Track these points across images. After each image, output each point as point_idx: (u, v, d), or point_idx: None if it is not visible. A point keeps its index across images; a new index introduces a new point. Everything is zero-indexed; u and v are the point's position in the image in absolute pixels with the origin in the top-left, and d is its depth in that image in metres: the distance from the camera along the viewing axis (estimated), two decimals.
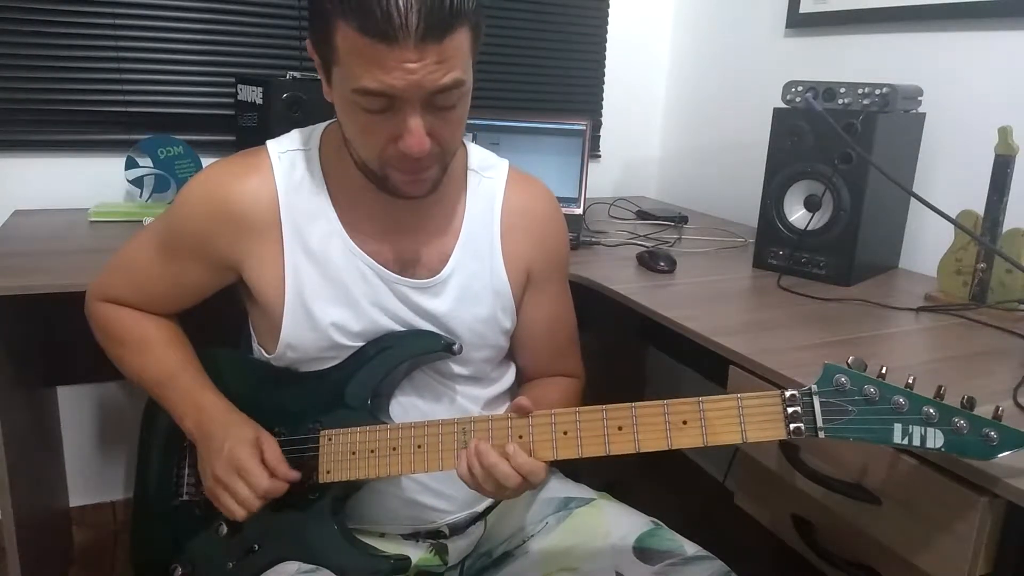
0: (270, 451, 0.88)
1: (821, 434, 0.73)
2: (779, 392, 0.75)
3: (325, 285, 0.91)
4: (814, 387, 0.73)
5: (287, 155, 0.92)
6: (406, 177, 0.83)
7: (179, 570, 0.97)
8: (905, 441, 0.71)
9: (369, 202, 0.90)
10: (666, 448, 0.77)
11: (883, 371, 0.72)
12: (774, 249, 1.44)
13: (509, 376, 1.06)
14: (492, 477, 0.79)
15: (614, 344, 2.04)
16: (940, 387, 0.72)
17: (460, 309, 0.94)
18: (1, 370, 1.27)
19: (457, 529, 0.99)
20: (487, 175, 0.98)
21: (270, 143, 0.93)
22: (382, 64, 0.73)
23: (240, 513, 0.87)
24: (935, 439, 0.70)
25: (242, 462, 0.86)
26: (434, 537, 0.99)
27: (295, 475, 0.88)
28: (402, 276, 0.92)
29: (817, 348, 1.04)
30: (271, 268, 0.91)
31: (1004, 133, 1.16)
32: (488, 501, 1.02)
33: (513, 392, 1.08)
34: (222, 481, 0.87)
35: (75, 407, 1.81)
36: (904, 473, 0.82)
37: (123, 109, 1.70)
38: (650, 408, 0.78)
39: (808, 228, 1.38)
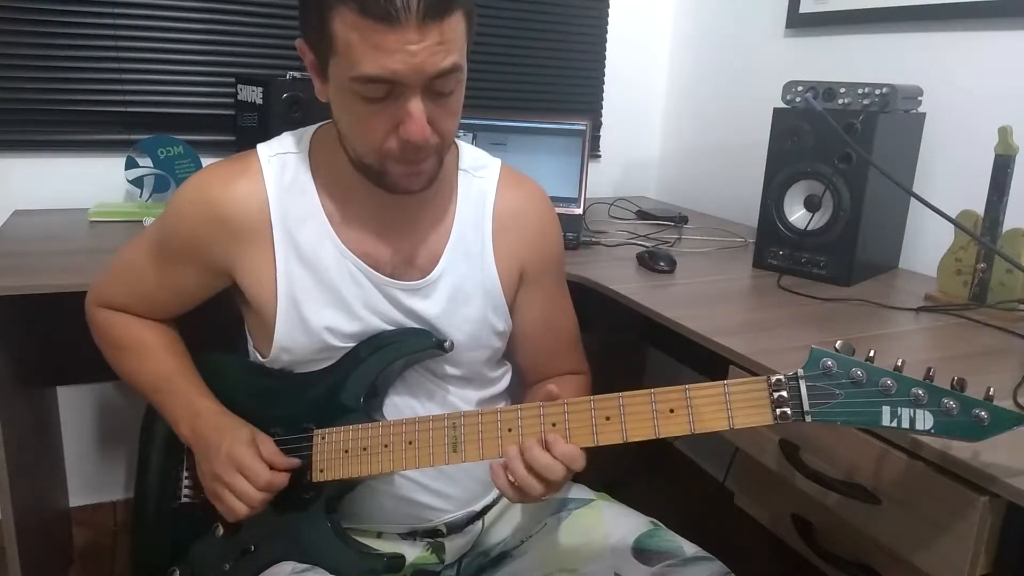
0: (266, 447, 0.89)
1: (808, 418, 0.72)
2: (765, 378, 0.75)
3: (317, 288, 0.91)
4: (800, 371, 0.73)
5: (277, 158, 0.92)
6: (405, 169, 0.83)
7: (177, 572, 0.98)
8: (894, 423, 0.70)
9: (360, 204, 0.90)
10: (654, 437, 0.77)
11: (871, 354, 0.72)
12: (774, 249, 1.44)
13: (505, 379, 1.06)
14: (535, 474, 0.78)
15: (614, 344, 2.04)
16: (929, 369, 0.71)
17: (451, 311, 0.94)
18: (1, 370, 1.27)
19: (455, 528, 0.99)
20: (479, 175, 0.98)
21: (260, 146, 0.93)
22: (383, 47, 0.73)
23: (242, 509, 0.86)
24: (924, 421, 0.70)
25: (241, 458, 0.86)
26: (431, 536, 0.99)
27: (295, 462, 0.89)
28: (393, 278, 0.92)
29: None
30: (263, 272, 0.91)
31: (1004, 133, 1.16)
32: (486, 500, 1.02)
33: (511, 393, 1.08)
34: (222, 479, 0.87)
35: (75, 407, 1.81)
36: (904, 473, 0.81)
37: (123, 109, 1.70)
38: (637, 397, 0.78)
39: (808, 228, 1.38)
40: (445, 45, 0.75)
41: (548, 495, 0.81)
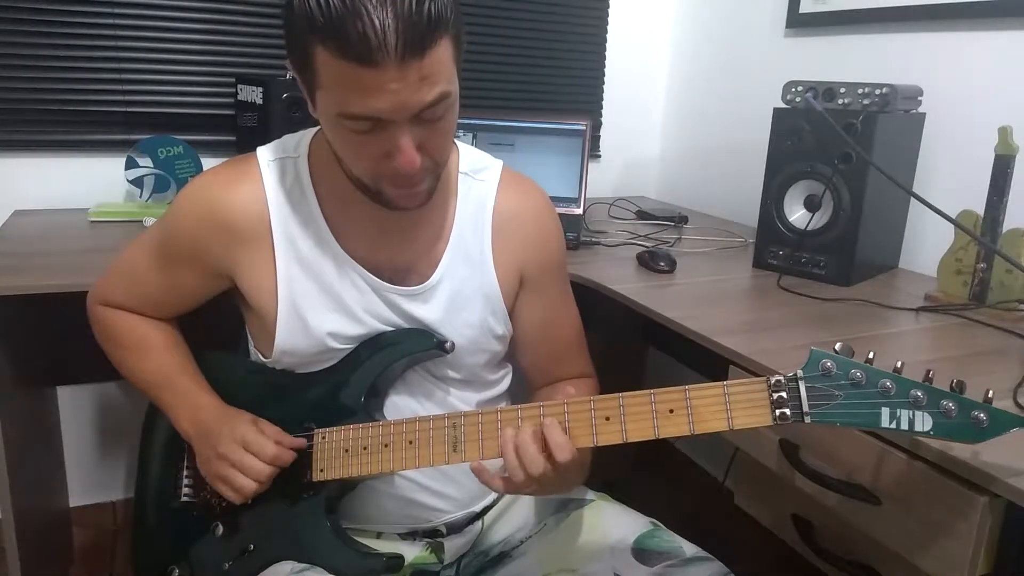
0: (269, 427, 0.90)
1: (807, 419, 0.72)
2: (765, 378, 0.75)
3: (318, 293, 0.91)
4: (800, 372, 0.73)
5: (276, 162, 0.92)
6: (400, 191, 0.83)
7: (176, 571, 0.98)
8: (893, 425, 0.70)
9: (359, 209, 0.90)
10: (653, 437, 0.77)
11: (871, 356, 0.72)
12: (774, 249, 1.44)
13: (506, 380, 1.06)
14: (520, 460, 0.78)
15: (614, 344, 2.04)
16: (928, 371, 0.71)
17: (451, 315, 0.94)
18: (1, 370, 1.27)
19: (454, 528, 1.00)
20: (479, 177, 0.97)
21: (260, 150, 0.93)
22: (364, 88, 0.71)
23: (250, 486, 0.87)
24: (923, 422, 0.70)
25: (245, 434, 0.87)
26: (431, 536, 0.99)
27: (300, 441, 0.89)
28: (392, 284, 0.92)
29: None
30: (264, 276, 0.91)
31: (1004, 133, 1.16)
32: (486, 501, 1.02)
33: (512, 395, 1.08)
34: (228, 458, 0.88)
35: (75, 407, 1.81)
36: (903, 473, 0.81)
37: (123, 109, 1.70)
38: (637, 398, 0.78)
39: (808, 228, 1.38)
40: (428, 79, 0.73)
41: (534, 490, 0.80)
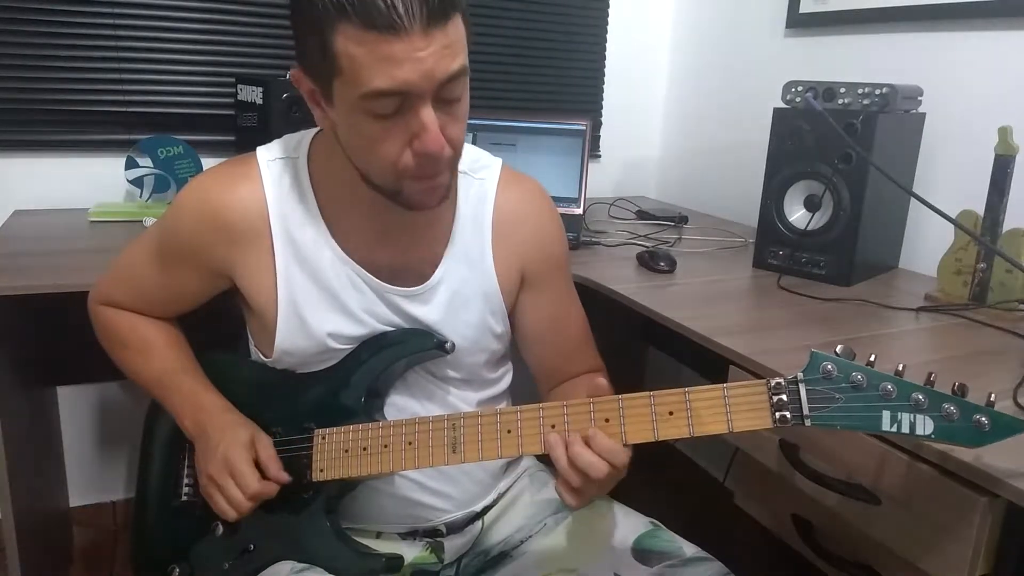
0: (264, 451, 0.89)
1: (807, 422, 0.72)
2: (765, 381, 0.74)
3: (317, 293, 0.91)
4: (800, 375, 0.73)
5: (276, 163, 0.92)
6: (421, 186, 0.81)
7: (176, 570, 0.98)
8: (894, 428, 0.70)
9: (358, 209, 0.90)
10: (653, 440, 0.77)
11: (872, 358, 0.72)
12: (774, 249, 1.44)
13: (506, 379, 1.06)
14: (577, 469, 0.77)
15: (614, 344, 2.04)
16: (930, 374, 0.71)
17: (451, 316, 0.94)
18: (1, 370, 1.27)
19: (454, 528, 1.00)
20: (478, 176, 0.97)
21: (260, 150, 0.93)
22: (391, 58, 0.71)
23: (231, 514, 0.87)
24: (925, 426, 0.69)
25: (235, 464, 0.87)
26: (431, 536, 0.99)
27: (285, 477, 0.89)
28: (392, 284, 0.92)
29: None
30: (263, 276, 0.91)
31: (1004, 133, 1.16)
32: (486, 501, 1.02)
33: (512, 394, 1.08)
34: (215, 481, 0.88)
35: (75, 407, 1.81)
36: (904, 473, 0.81)
37: (123, 109, 1.70)
38: (637, 400, 0.78)
39: (808, 228, 1.38)
40: (451, 48, 0.74)
41: (592, 492, 0.80)
